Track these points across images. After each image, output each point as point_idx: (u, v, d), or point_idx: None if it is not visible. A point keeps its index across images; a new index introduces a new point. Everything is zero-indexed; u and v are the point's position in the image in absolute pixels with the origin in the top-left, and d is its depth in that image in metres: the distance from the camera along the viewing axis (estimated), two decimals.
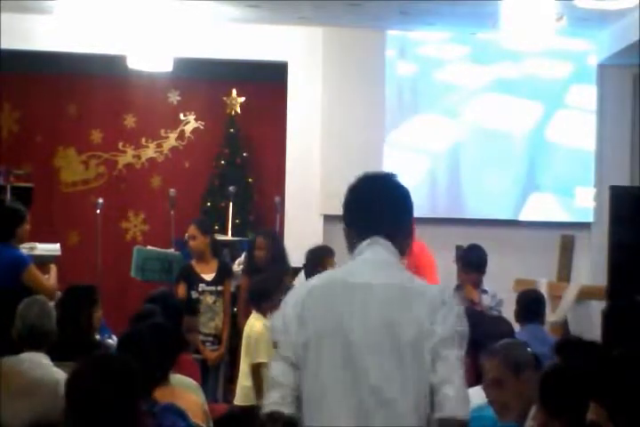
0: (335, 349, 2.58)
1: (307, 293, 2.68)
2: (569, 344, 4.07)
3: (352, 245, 2.74)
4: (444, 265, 7.35)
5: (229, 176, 9.31)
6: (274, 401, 2.60)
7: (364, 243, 2.71)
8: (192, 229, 7.03)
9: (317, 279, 2.76)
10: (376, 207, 2.72)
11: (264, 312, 6.15)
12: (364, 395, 2.54)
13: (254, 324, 6.10)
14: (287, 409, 2.59)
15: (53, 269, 6.33)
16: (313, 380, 2.59)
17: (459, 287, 6.86)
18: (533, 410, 3.33)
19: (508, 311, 5.93)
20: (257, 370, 5.98)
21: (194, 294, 6.80)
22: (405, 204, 2.77)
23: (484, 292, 6.84)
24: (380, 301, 2.60)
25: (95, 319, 5.09)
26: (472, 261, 6.84)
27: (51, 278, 6.24)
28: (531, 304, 5.81)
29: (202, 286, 6.87)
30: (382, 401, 2.53)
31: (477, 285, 6.82)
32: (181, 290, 6.77)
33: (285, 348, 2.64)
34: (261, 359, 5.97)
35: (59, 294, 5.89)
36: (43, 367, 2.70)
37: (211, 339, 6.85)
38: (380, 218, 2.72)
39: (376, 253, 2.69)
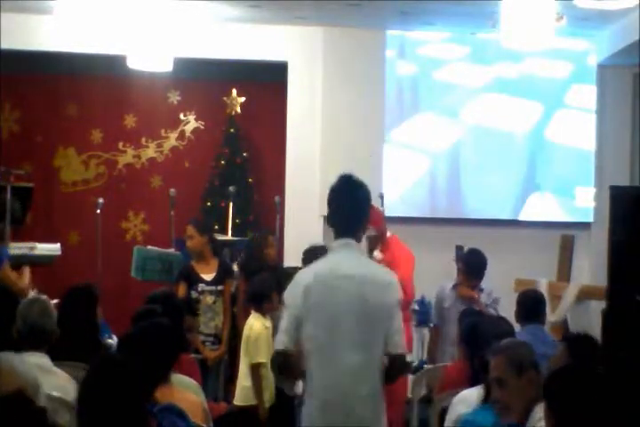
0: (325, 315, 4.00)
1: (309, 277, 4.08)
2: (578, 340, 4.04)
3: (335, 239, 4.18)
4: (444, 265, 7.36)
5: (229, 176, 9.31)
6: (283, 342, 3.99)
7: (338, 243, 4.14)
8: (189, 230, 7.01)
9: (315, 269, 4.16)
10: (343, 217, 4.13)
11: (264, 312, 6.16)
12: (344, 333, 3.99)
13: (254, 324, 6.10)
14: (291, 348, 3.98)
15: (27, 270, 6.30)
16: (310, 331, 4.00)
17: (455, 287, 6.87)
18: (539, 411, 3.31)
19: (508, 311, 5.92)
20: (256, 370, 5.98)
21: (193, 294, 6.80)
22: (364, 209, 4.19)
23: (481, 290, 6.86)
24: (355, 285, 4.02)
25: (97, 318, 5.11)
26: (474, 269, 6.84)
27: (24, 279, 6.21)
28: (532, 304, 5.80)
29: (201, 286, 6.86)
30: (356, 343, 3.99)
31: (476, 285, 6.84)
32: (181, 290, 6.76)
33: (294, 309, 4.01)
34: (261, 359, 5.97)
35: (34, 292, 5.92)
36: (21, 367, 2.67)
37: (211, 339, 6.84)
38: (346, 224, 4.13)
39: (347, 253, 4.12)
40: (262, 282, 6.30)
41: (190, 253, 7.05)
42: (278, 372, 4.16)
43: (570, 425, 2.99)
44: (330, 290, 4.02)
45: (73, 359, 4.61)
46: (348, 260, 4.09)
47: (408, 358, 4.99)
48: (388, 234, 6.86)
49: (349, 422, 3.94)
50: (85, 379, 3.02)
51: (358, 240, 4.17)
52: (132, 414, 2.93)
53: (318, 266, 4.17)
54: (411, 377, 6.25)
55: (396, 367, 4.05)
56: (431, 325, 7.14)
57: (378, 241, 6.79)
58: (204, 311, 6.78)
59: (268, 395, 6.04)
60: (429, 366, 6.02)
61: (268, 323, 6.12)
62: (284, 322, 4.02)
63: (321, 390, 4.00)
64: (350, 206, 4.13)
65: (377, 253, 6.88)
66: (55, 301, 6.02)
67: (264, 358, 5.99)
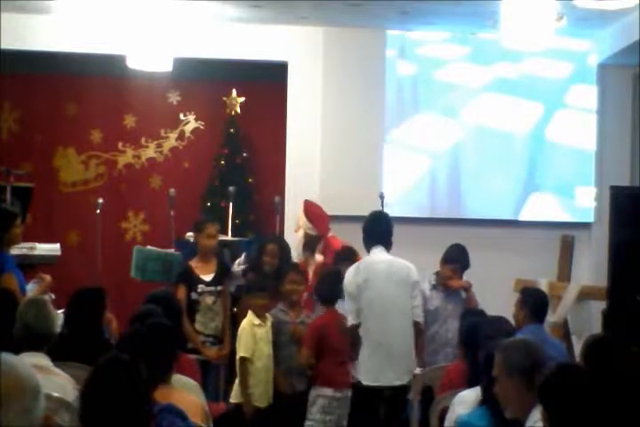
0: (372, 288, 5.95)
1: (356, 266, 6.07)
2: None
3: (368, 248, 6.16)
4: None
5: (229, 176, 9.31)
6: (352, 318, 5.96)
7: (375, 249, 6.11)
8: (214, 228, 6.93)
9: (362, 262, 6.15)
10: (377, 234, 6.18)
11: (253, 309, 6.20)
12: (388, 303, 5.98)
13: (244, 320, 6.18)
14: (357, 322, 5.95)
15: (46, 279, 6.18)
16: (365, 301, 5.95)
17: (435, 287, 6.91)
18: (538, 411, 3.30)
19: (507, 311, 5.90)
20: (241, 365, 6.02)
21: (193, 296, 6.74)
22: (390, 231, 6.21)
23: None
24: (386, 266, 6.03)
25: (104, 321, 5.12)
26: (462, 264, 6.91)
27: (34, 290, 6.09)
28: (541, 305, 5.78)
29: (201, 287, 6.80)
30: (397, 307, 5.99)
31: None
32: (181, 292, 6.67)
33: (350, 289, 5.97)
34: (242, 353, 6.02)
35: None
36: (22, 369, 2.65)
37: (211, 339, 6.79)
38: (380, 238, 6.15)
39: (380, 251, 6.10)
40: (258, 282, 6.39)
41: (209, 250, 6.93)
42: (354, 342, 5.95)
43: (565, 426, 3.00)
44: (371, 270, 5.97)
45: (78, 360, 4.59)
46: (381, 254, 6.11)
47: None
48: (329, 234, 7.38)
49: (394, 355, 5.88)
50: (89, 378, 3.01)
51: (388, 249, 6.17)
52: (134, 415, 2.92)
53: (362, 260, 6.25)
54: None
55: (415, 331, 6.02)
56: None
57: (318, 241, 7.30)
58: (204, 312, 6.73)
59: (258, 393, 6.04)
60: (433, 367, 6.01)
61: (257, 320, 6.13)
62: (348, 304, 5.99)
63: (373, 336, 5.90)
64: (383, 229, 6.20)
65: (317, 256, 7.31)
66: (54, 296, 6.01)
67: (245, 352, 6.00)
